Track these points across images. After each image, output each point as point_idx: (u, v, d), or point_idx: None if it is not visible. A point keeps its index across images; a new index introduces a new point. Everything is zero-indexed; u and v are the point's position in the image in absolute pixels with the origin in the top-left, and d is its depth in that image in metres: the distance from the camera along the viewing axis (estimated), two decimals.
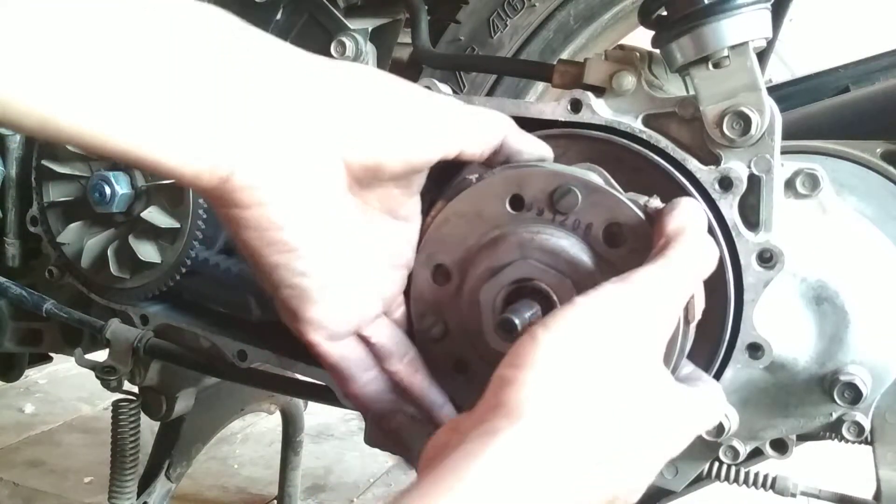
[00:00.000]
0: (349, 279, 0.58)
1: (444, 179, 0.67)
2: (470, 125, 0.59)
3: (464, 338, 0.65)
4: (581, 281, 0.58)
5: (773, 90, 0.77)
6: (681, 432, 0.51)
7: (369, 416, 0.67)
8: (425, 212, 0.65)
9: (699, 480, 0.77)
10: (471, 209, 0.63)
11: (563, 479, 0.42)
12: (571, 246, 0.59)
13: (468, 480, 0.39)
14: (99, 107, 0.45)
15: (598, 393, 0.46)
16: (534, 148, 0.63)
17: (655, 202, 0.59)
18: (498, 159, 0.61)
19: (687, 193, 0.63)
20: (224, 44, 0.51)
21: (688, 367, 0.61)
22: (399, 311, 0.66)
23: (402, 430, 0.65)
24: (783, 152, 0.66)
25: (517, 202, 0.61)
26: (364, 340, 0.63)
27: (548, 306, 0.58)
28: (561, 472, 0.42)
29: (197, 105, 0.48)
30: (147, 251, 0.93)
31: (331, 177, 0.54)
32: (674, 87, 0.71)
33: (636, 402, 0.47)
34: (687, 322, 0.56)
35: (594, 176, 0.60)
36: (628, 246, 0.58)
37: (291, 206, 0.52)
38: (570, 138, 0.67)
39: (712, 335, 0.64)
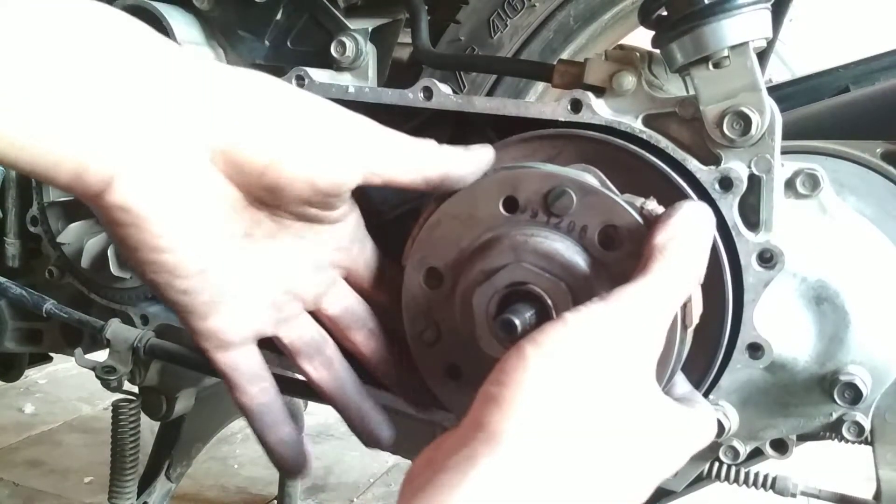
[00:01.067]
0: (240, 293, 0.57)
1: None
2: (393, 151, 0.57)
3: (456, 342, 0.64)
4: (576, 285, 0.57)
5: (773, 90, 0.77)
6: (673, 454, 0.50)
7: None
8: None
9: (699, 480, 0.77)
10: (463, 211, 0.62)
11: None
12: (566, 249, 0.58)
13: None
14: None
15: (586, 416, 0.44)
16: (474, 167, 0.61)
17: (652, 204, 0.58)
18: (440, 189, 0.60)
19: (683, 194, 0.62)
20: (103, 51, 0.47)
21: (684, 387, 0.60)
22: (340, 304, 0.65)
23: (280, 446, 0.64)
24: (783, 152, 0.66)
25: (511, 204, 0.60)
26: (278, 340, 0.62)
27: (542, 311, 0.57)
28: (543, 502, 0.41)
29: (73, 111, 0.45)
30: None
31: (218, 199, 0.52)
32: (674, 87, 0.71)
33: (626, 426, 0.46)
34: (684, 327, 0.56)
35: (589, 177, 0.59)
36: (625, 249, 0.57)
37: (169, 227, 0.50)
38: (566, 139, 0.67)
39: (712, 336, 0.63)
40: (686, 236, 0.53)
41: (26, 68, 0.44)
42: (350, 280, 0.66)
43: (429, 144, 0.60)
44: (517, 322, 0.55)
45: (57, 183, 0.48)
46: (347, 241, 0.63)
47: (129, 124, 0.47)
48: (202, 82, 0.50)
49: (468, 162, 0.61)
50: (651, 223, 0.56)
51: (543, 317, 0.57)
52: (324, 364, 0.65)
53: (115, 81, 0.47)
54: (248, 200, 0.54)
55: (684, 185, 0.63)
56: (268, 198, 0.54)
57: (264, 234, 0.57)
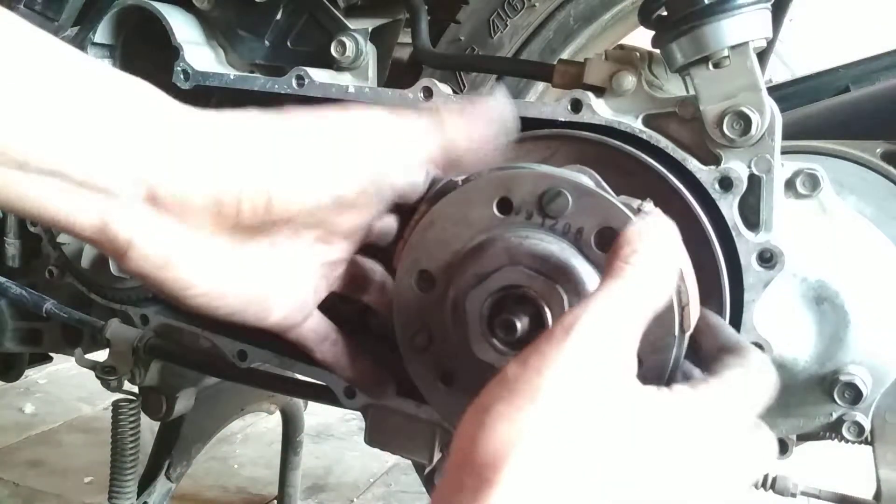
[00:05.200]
0: (284, 284, 0.59)
1: None
2: (393, 157, 0.57)
3: (449, 347, 0.62)
4: (572, 288, 0.56)
5: (773, 90, 0.77)
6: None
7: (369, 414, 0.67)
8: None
9: None
10: (457, 212, 0.60)
11: None
12: (562, 251, 0.56)
13: None
14: None
15: (580, 439, 0.41)
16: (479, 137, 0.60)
17: (649, 206, 0.57)
18: (459, 166, 0.60)
19: (679, 195, 0.62)
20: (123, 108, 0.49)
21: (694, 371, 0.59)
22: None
23: (358, 378, 0.70)
24: (783, 152, 0.66)
25: (505, 205, 0.59)
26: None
27: (536, 315, 0.56)
28: None
29: (82, 162, 0.48)
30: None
31: (233, 240, 0.54)
32: (674, 87, 0.71)
33: (625, 438, 0.43)
34: (682, 331, 0.55)
35: (585, 178, 0.58)
36: None
37: (193, 274, 0.53)
38: (561, 139, 0.67)
39: None
40: (646, 250, 0.48)
41: (46, 129, 0.46)
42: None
43: (426, 132, 0.59)
44: (517, 323, 0.54)
45: (82, 239, 0.51)
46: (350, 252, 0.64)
47: (134, 191, 0.49)
48: (205, 142, 0.52)
49: (469, 134, 0.60)
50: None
51: (538, 322, 0.56)
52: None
53: (130, 151, 0.49)
54: (256, 230, 0.55)
55: (680, 185, 0.63)
56: (263, 224, 0.55)
57: (286, 236, 0.58)
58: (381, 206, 0.59)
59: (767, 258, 0.62)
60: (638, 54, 0.68)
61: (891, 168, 0.74)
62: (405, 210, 0.63)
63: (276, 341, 0.84)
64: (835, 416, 0.70)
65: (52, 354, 1.28)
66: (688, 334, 0.56)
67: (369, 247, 0.65)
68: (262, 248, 0.56)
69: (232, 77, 0.84)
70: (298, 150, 0.54)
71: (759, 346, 0.64)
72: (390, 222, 0.64)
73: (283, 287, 0.59)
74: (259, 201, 0.53)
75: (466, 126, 0.60)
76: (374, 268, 0.67)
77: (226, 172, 0.52)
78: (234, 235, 0.54)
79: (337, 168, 0.55)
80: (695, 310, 0.56)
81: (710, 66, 0.62)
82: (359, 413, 0.78)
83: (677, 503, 0.44)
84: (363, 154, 0.56)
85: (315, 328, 0.65)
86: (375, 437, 0.77)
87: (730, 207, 0.62)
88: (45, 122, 0.46)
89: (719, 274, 0.62)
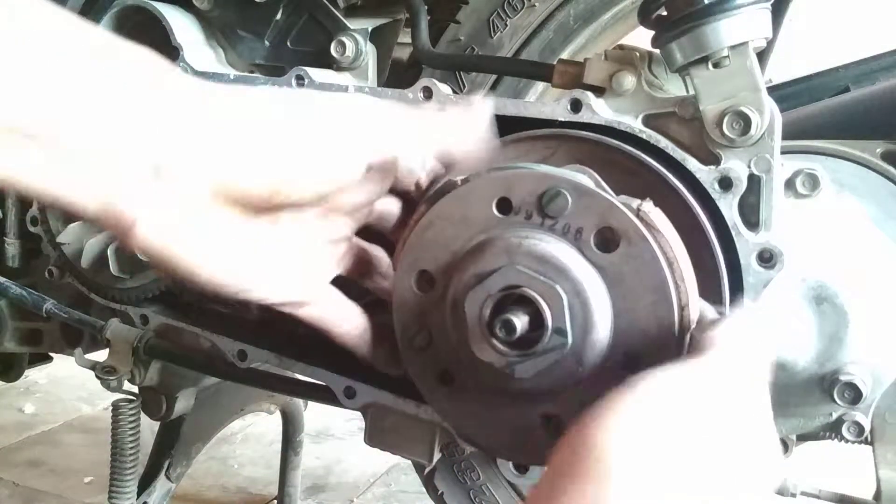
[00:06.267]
0: (289, 260, 0.58)
1: None
2: (393, 138, 0.58)
3: (448, 347, 0.62)
4: (571, 288, 0.56)
5: (773, 90, 0.77)
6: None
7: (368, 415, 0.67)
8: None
9: None
10: (456, 213, 0.60)
11: None
12: (561, 251, 0.56)
13: None
14: None
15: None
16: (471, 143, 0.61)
17: (648, 205, 0.56)
18: (453, 168, 0.61)
19: (679, 195, 0.62)
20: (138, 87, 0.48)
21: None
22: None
23: (381, 361, 0.67)
24: (783, 152, 0.66)
25: (505, 205, 0.59)
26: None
27: (536, 316, 0.56)
28: None
29: (93, 153, 0.47)
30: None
31: (235, 218, 0.54)
32: (674, 87, 0.71)
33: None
34: (682, 331, 0.56)
35: (584, 178, 0.58)
36: (621, 251, 0.56)
37: (199, 255, 0.52)
38: (560, 139, 0.67)
39: None
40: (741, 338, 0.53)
41: (52, 104, 0.45)
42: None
43: (426, 120, 0.60)
44: (517, 323, 0.54)
45: (86, 217, 0.50)
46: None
47: (140, 168, 0.49)
48: (214, 121, 0.51)
49: (465, 128, 0.61)
50: (649, 226, 0.55)
51: (537, 322, 0.56)
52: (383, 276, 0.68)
53: (129, 125, 0.48)
54: (262, 208, 0.55)
55: (679, 185, 0.63)
56: (273, 205, 0.55)
57: (288, 212, 0.58)
58: (383, 185, 0.60)
59: (767, 258, 0.62)
60: (638, 54, 0.68)
61: (891, 168, 0.74)
62: (406, 198, 0.64)
63: (277, 341, 0.84)
64: (835, 416, 0.70)
65: (52, 354, 1.28)
66: (688, 334, 0.56)
67: (374, 234, 0.66)
68: (266, 224, 0.56)
69: (232, 77, 0.84)
70: (304, 132, 0.54)
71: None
72: (391, 205, 0.65)
73: (289, 263, 0.59)
74: (267, 186, 0.53)
75: (463, 117, 0.61)
76: (379, 255, 0.67)
77: (235, 155, 0.52)
78: (239, 213, 0.54)
79: (340, 150, 0.55)
80: (695, 309, 0.56)
81: (710, 66, 0.62)
82: (359, 413, 0.78)
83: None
84: (365, 135, 0.56)
85: (334, 308, 0.64)
86: (375, 437, 0.77)
87: (729, 207, 0.62)
88: (50, 94, 0.44)
89: (719, 274, 0.62)
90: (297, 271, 0.60)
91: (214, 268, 0.54)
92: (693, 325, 0.56)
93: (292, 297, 0.61)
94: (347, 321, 0.65)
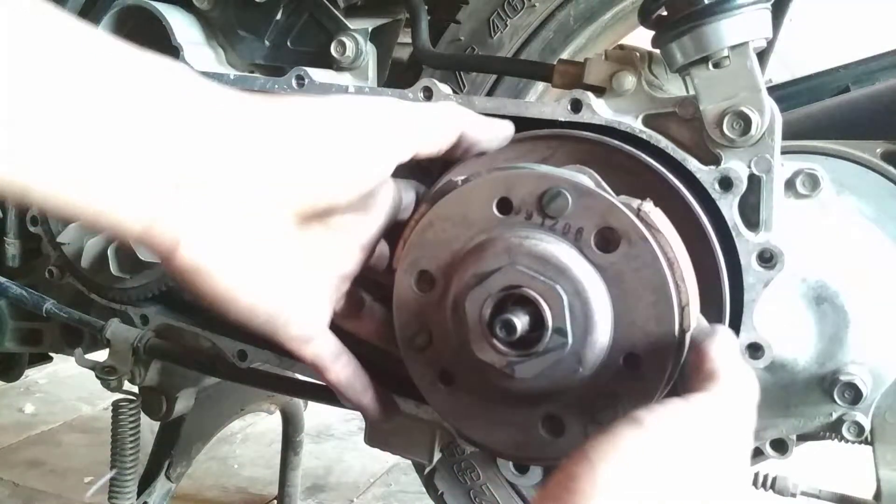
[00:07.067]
0: (308, 296, 0.59)
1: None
2: (418, 127, 0.58)
3: (448, 347, 0.62)
4: (571, 288, 0.56)
5: (773, 90, 0.77)
6: None
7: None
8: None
9: None
10: (456, 213, 0.60)
11: None
12: (562, 251, 0.56)
13: None
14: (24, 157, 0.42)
15: None
16: (492, 134, 0.63)
17: (649, 206, 0.56)
18: (457, 153, 0.61)
19: (679, 195, 0.62)
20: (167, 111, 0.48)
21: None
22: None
23: (370, 407, 0.67)
24: (783, 152, 0.66)
25: (505, 205, 0.59)
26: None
27: (537, 316, 0.56)
28: None
29: (138, 170, 0.46)
30: (147, 251, 0.93)
31: (275, 238, 0.54)
32: (674, 87, 0.71)
33: None
34: (682, 331, 0.56)
35: (585, 178, 0.58)
36: (622, 251, 0.56)
37: (237, 277, 0.52)
38: (560, 139, 0.66)
39: None
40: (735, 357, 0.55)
41: (89, 122, 0.44)
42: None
43: (447, 110, 0.61)
44: (517, 323, 0.54)
45: (129, 239, 0.50)
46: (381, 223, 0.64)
47: (186, 185, 0.48)
48: (243, 131, 0.51)
49: (485, 128, 0.62)
50: (651, 227, 0.55)
51: (538, 322, 0.56)
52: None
53: (170, 138, 0.47)
54: (299, 222, 0.55)
55: (680, 185, 0.63)
56: (316, 215, 0.56)
57: (316, 241, 0.58)
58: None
59: (767, 258, 0.62)
60: (638, 54, 0.68)
61: (891, 168, 0.74)
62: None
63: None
64: (835, 416, 0.70)
65: (52, 354, 1.28)
66: (688, 334, 0.56)
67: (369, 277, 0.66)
68: (304, 234, 0.56)
69: (232, 77, 0.84)
70: (339, 134, 0.55)
71: (760, 347, 0.64)
72: (411, 196, 0.67)
73: (308, 288, 0.59)
74: (308, 201, 0.53)
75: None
76: (366, 297, 0.67)
77: (274, 163, 0.52)
78: (281, 224, 0.54)
79: (373, 149, 0.56)
80: (695, 310, 0.56)
81: (710, 66, 0.62)
82: (359, 413, 0.78)
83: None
84: (394, 133, 0.57)
85: (329, 346, 0.64)
86: (375, 437, 0.77)
87: (730, 207, 0.62)
88: (88, 117, 0.43)
89: (719, 274, 0.62)
90: (313, 297, 0.60)
91: (251, 290, 0.53)
92: (693, 326, 0.56)
93: (304, 332, 0.60)
94: (340, 361, 0.64)
